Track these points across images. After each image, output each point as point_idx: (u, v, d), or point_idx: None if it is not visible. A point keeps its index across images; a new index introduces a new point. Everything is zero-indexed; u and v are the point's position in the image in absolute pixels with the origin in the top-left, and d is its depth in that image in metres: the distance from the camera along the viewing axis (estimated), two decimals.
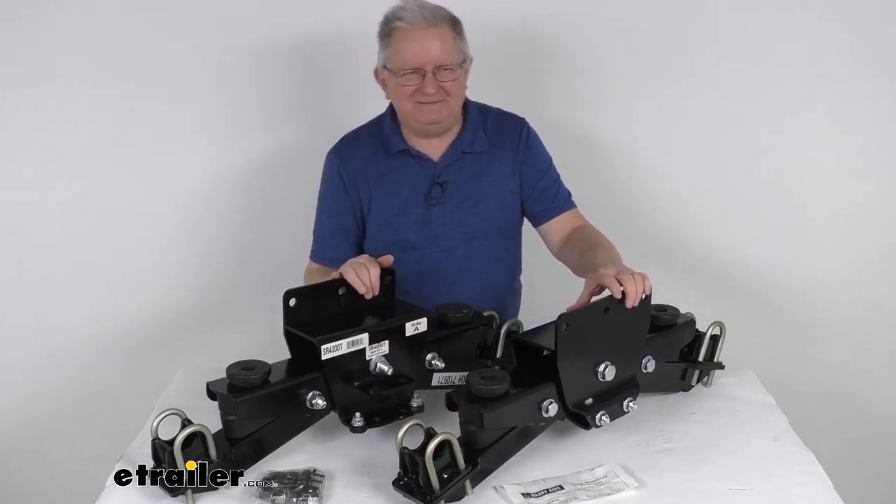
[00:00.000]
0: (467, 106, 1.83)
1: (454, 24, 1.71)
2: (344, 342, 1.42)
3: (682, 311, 1.64)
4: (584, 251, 1.71)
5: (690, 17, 2.16)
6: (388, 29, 1.69)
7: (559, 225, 1.84)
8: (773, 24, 2.17)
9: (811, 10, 2.15)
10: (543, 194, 1.84)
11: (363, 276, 1.52)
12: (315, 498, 1.28)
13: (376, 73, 1.77)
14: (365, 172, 1.82)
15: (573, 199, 1.88)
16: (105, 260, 2.26)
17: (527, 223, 1.91)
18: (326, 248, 1.85)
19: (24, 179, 2.20)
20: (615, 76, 2.21)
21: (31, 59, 2.13)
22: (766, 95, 2.21)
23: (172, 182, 2.23)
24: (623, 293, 1.43)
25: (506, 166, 1.82)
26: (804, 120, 2.23)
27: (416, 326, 1.52)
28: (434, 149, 1.81)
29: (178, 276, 2.28)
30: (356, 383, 1.45)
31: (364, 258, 1.56)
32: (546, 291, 2.12)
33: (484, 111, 1.85)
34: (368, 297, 1.53)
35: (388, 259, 1.59)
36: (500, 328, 1.68)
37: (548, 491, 1.32)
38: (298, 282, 1.56)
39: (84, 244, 2.25)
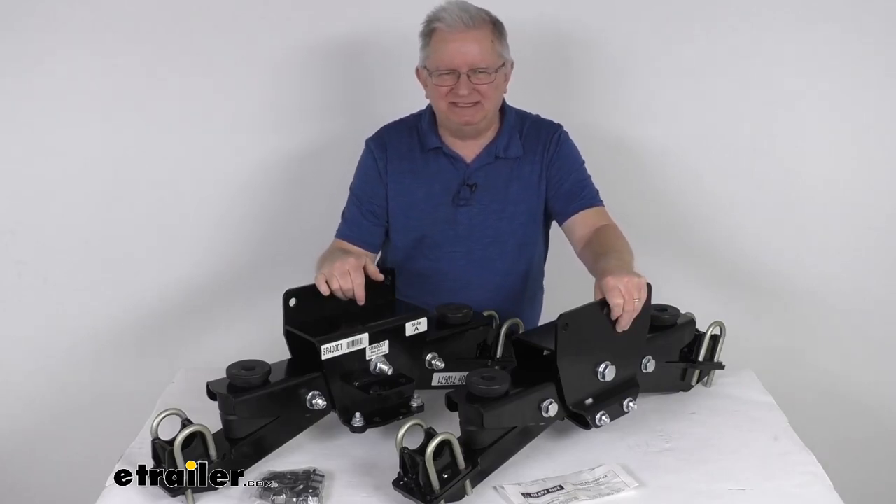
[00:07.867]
0: (505, 110, 1.83)
1: (495, 26, 1.71)
2: (344, 342, 1.42)
3: (682, 311, 1.64)
4: (598, 255, 1.63)
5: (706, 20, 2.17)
6: (429, 29, 1.72)
7: (582, 222, 1.78)
8: (795, 25, 2.17)
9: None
10: (569, 192, 1.81)
11: (346, 285, 1.50)
12: (315, 498, 1.28)
13: (417, 72, 1.79)
14: (398, 164, 1.82)
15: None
16: (105, 260, 2.26)
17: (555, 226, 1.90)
18: (352, 227, 1.84)
19: (25, 179, 2.20)
20: (613, 76, 2.21)
21: (34, 54, 2.13)
22: (769, 97, 2.21)
23: (172, 184, 2.23)
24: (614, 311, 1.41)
25: (535, 171, 1.82)
26: (805, 120, 2.23)
27: (416, 326, 1.52)
28: (468, 150, 1.81)
29: (178, 276, 2.28)
30: (356, 383, 1.45)
31: (351, 265, 1.52)
32: (566, 296, 2.11)
33: (522, 117, 1.85)
34: (361, 302, 1.52)
35: (378, 276, 1.56)
36: (500, 328, 1.68)
37: (548, 491, 1.32)
38: (299, 282, 1.56)
39: (84, 244, 2.25)
